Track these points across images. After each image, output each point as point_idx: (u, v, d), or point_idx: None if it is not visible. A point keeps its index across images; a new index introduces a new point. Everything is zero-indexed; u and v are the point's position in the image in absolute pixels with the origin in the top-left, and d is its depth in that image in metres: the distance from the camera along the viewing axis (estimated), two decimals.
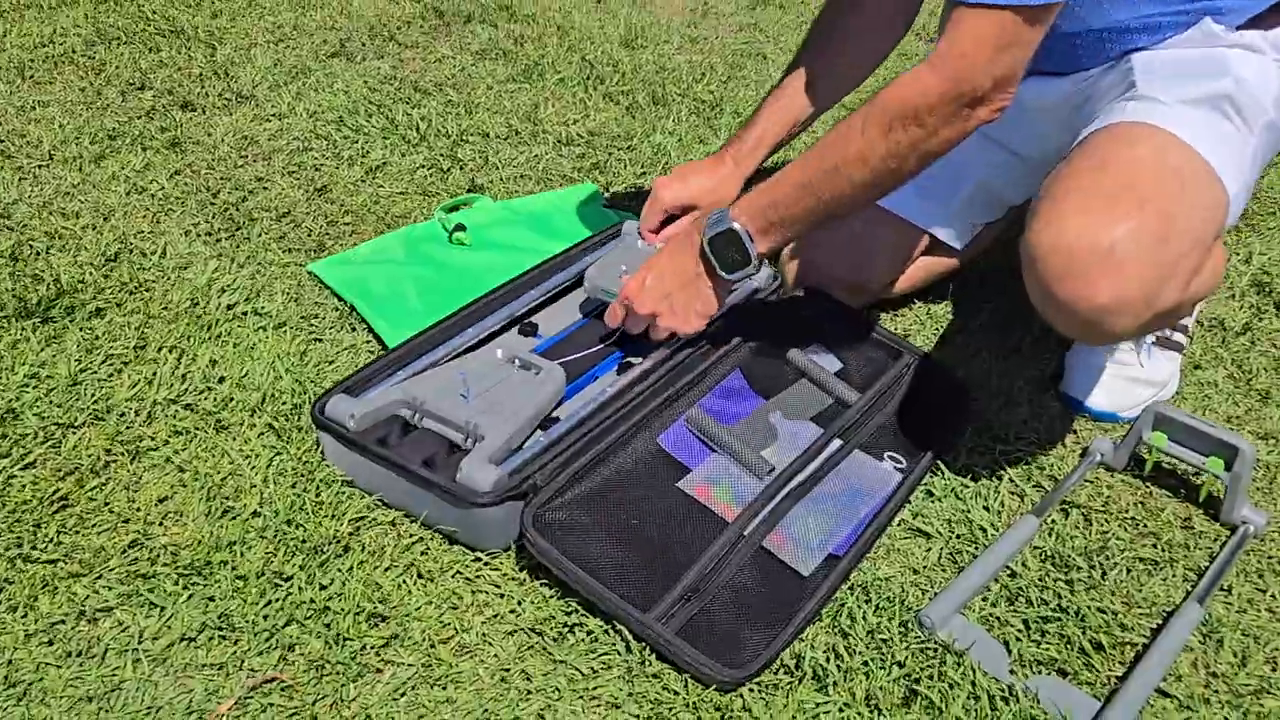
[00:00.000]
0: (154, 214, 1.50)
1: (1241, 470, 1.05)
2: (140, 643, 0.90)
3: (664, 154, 1.74)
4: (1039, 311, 0.96)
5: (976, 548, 1.04)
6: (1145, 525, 1.08)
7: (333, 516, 1.01)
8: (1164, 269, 0.89)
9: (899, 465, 1.11)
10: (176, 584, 0.95)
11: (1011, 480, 1.12)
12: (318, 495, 1.03)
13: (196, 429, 1.12)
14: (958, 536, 1.05)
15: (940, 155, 0.97)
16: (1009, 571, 1.01)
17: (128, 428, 1.11)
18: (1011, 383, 1.27)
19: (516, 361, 1.10)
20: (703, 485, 1.04)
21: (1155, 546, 1.05)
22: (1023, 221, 0.96)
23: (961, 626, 0.94)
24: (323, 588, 0.95)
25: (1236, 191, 0.96)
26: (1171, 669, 0.92)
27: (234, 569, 0.96)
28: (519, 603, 0.96)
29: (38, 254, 1.38)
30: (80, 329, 1.25)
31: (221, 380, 1.18)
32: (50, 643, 0.90)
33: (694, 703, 0.87)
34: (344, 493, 1.04)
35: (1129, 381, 1.22)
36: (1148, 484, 1.13)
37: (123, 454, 1.08)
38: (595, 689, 0.88)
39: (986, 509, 1.09)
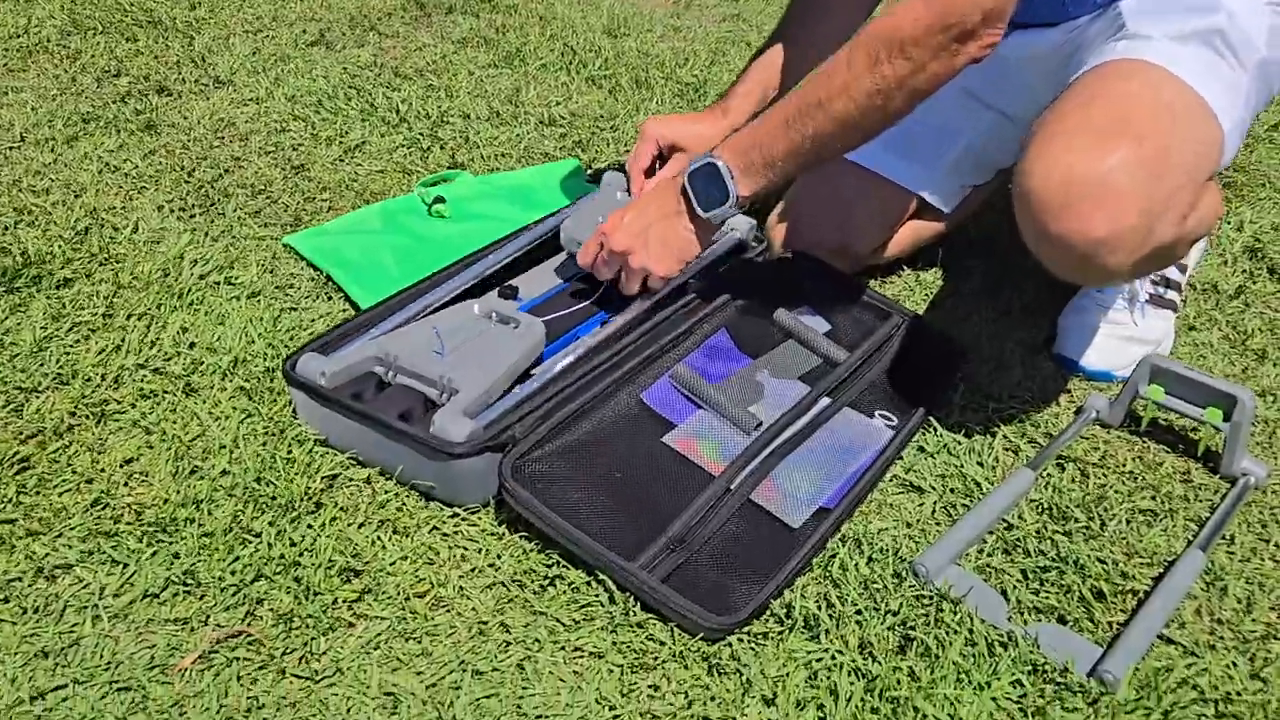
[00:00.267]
0: (127, 191, 1.47)
1: (1241, 420, 1.02)
2: (101, 599, 0.86)
3: None
4: (1032, 252, 0.93)
5: (971, 502, 1.01)
6: (1144, 478, 1.05)
7: (305, 474, 0.98)
8: (1159, 200, 0.86)
9: (890, 423, 1.08)
10: (140, 541, 0.91)
11: (1005, 437, 1.09)
12: (289, 453, 1.00)
13: (165, 392, 1.08)
14: (951, 491, 1.02)
15: (927, 94, 0.95)
16: (1005, 524, 0.98)
17: (93, 391, 1.07)
18: (1003, 345, 1.24)
19: (494, 316, 1.07)
20: (687, 440, 1.01)
21: (1154, 498, 1.02)
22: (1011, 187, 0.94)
23: (957, 575, 0.91)
24: (293, 544, 0.91)
25: (1230, 127, 0.94)
26: (1175, 617, 0.89)
27: (200, 526, 0.92)
28: (498, 556, 0.92)
29: (4, 228, 1.35)
30: (47, 298, 1.21)
31: (192, 346, 1.15)
32: (5, 600, 0.86)
33: (680, 652, 0.84)
34: (317, 451, 1.01)
35: (1123, 340, 1.19)
36: (1145, 440, 1.10)
37: (88, 417, 1.05)
38: (577, 640, 0.85)
39: (980, 464, 1.05)
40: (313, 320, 1.22)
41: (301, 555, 0.90)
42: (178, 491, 0.96)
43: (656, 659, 0.83)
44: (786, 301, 1.19)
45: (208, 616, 0.85)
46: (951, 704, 0.80)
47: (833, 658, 0.83)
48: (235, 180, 1.52)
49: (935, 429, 1.09)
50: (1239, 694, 0.82)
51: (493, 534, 0.94)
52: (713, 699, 0.80)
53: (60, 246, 1.30)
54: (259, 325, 1.18)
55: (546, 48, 2.03)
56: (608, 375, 1.03)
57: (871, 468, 1.02)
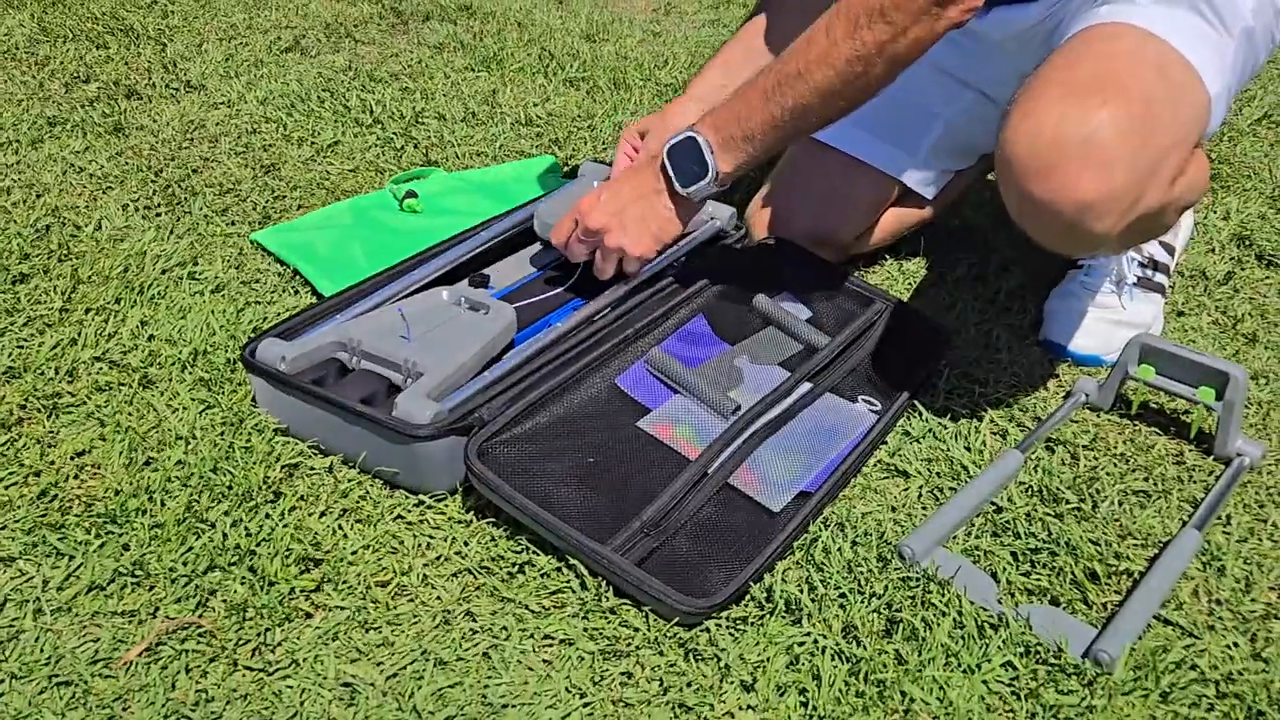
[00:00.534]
0: (91, 191, 1.43)
1: (1234, 398, 0.99)
2: (44, 592, 0.82)
3: None
4: (1016, 220, 0.90)
5: (957, 485, 0.97)
6: (1135, 460, 1.01)
7: (263, 463, 0.94)
8: (1148, 160, 0.83)
9: (873, 408, 1.05)
10: (88, 533, 0.87)
11: (993, 421, 1.06)
12: (248, 442, 0.96)
13: (121, 384, 1.04)
14: (937, 474, 0.99)
15: (908, 61, 0.92)
16: (994, 506, 0.94)
17: (46, 384, 1.03)
18: (990, 331, 1.21)
19: (464, 302, 1.03)
20: (664, 424, 0.97)
21: (1147, 480, 0.99)
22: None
23: (945, 557, 0.87)
24: (249, 534, 0.87)
25: (1217, 93, 0.91)
26: (1172, 597, 0.85)
27: (152, 516, 0.88)
28: (465, 544, 0.88)
29: None
30: (1, 293, 1.17)
31: (151, 338, 1.11)
32: None
33: (655, 638, 0.79)
34: (277, 440, 0.96)
35: (1112, 324, 1.16)
36: (1135, 423, 1.07)
37: (39, 410, 1.00)
38: (547, 627, 0.80)
39: (967, 448, 1.02)
40: (278, 314, 1.18)
41: (258, 545, 0.86)
42: (130, 482, 0.92)
43: (630, 645, 0.79)
44: (766, 288, 1.15)
45: (157, 608, 0.81)
46: (940, 687, 0.76)
47: (815, 642, 0.79)
48: (203, 180, 1.48)
49: (921, 413, 1.06)
50: (1240, 674, 0.79)
51: (460, 521, 0.90)
52: (689, 685, 0.76)
53: (18, 244, 1.26)
54: (221, 318, 1.14)
55: (524, 52, 2.01)
56: (580, 359, 0.99)
57: (854, 452, 0.98)
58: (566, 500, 0.87)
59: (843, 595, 0.83)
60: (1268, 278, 1.33)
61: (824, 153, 1.24)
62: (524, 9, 2.27)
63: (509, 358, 0.98)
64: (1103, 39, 0.91)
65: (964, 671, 0.77)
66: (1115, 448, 1.03)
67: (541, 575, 0.85)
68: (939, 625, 0.80)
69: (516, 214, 1.22)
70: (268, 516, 0.89)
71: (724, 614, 0.82)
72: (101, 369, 1.06)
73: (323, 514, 0.90)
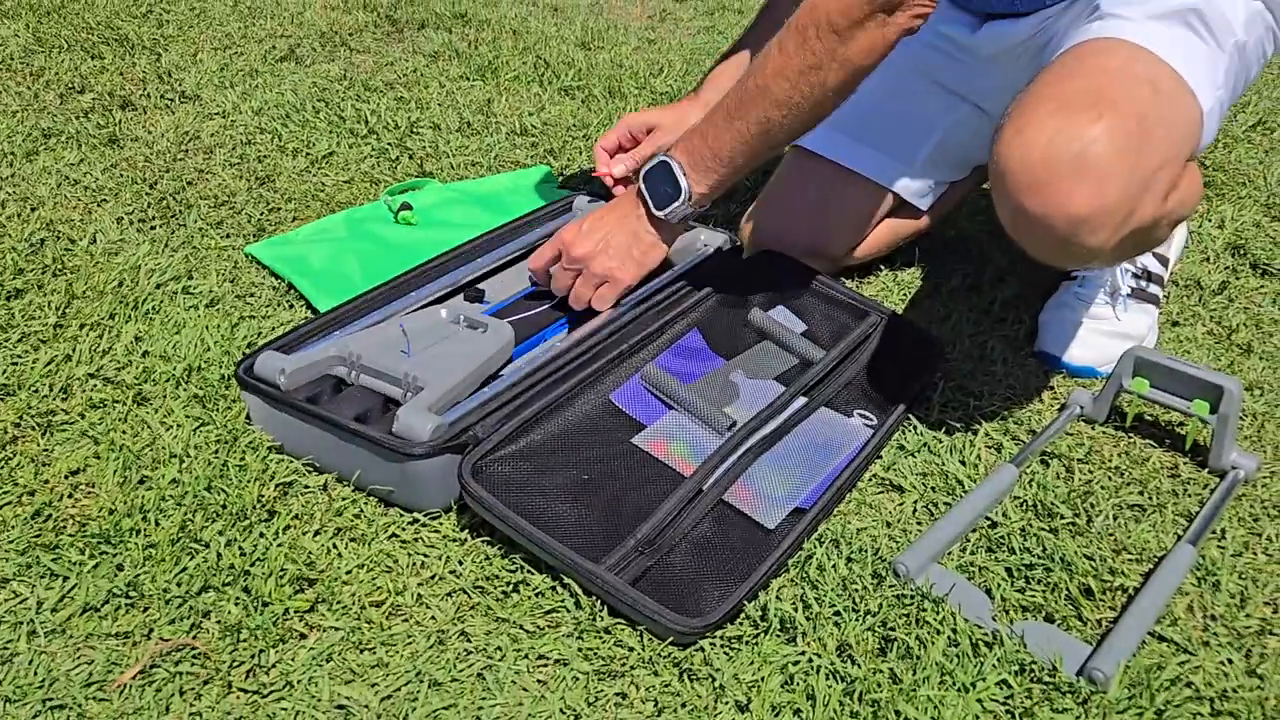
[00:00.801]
0: (86, 204, 1.43)
1: (1229, 411, 0.99)
2: (38, 614, 0.82)
3: None
4: (1010, 233, 0.90)
5: (952, 500, 0.97)
6: (1130, 474, 1.01)
7: (258, 481, 0.93)
8: (1140, 177, 0.83)
9: (869, 422, 1.05)
10: (82, 553, 0.87)
11: (987, 434, 1.06)
12: (243, 460, 0.96)
13: (115, 401, 1.04)
14: (932, 489, 0.99)
15: (864, 68, 0.94)
16: (989, 521, 0.94)
17: (40, 402, 1.03)
18: (984, 343, 1.21)
19: (462, 319, 1.03)
20: (659, 441, 0.97)
21: (1142, 494, 0.99)
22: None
23: (939, 574, 0.87)
24: (243, 553, 0.87)
25: (1210, 107, 0.91)
26: (1166, 613, 0.85)
27: (146, 536, 0.88)
28: (459, 562, 0.88)
29: None
30: None
31: (145, 354, 1.11)
32: None
33: (650, 658, 0.79)
34: (272, 458, 0.96)
35: (1106, 336, 1.16)
36: (1130, 435, 1.07)
37: (33, 428, 1.00)
38: (541, 647, 0.80)
39: (962, 462, 1.02)
40: (273, 329, 1.18)
41: (252, 565, 0.86)
42: (124, 502, 0.92)
43: (625, 665, 0.79)
44: (760, 301, 1.15)
45: (151, 630, 0.81)
46: (935, 706, 0.76)
47: (810, 660, 0.79)
48: (198, 192, 1.48)
49: (915, 427, 1.06)
50: (1235, 691, 0.79)
51: (454, 540, 0.90)
52: (684, 705, 0.76)
53: (12, 258, 1.26)
54: (215, 333, 1.14)
55: (519, 60, 2.01)
56: (574, 375, 0.99)
57: (849, 467, 0.98)
58: (561, 518, 0.87)
59: (837, 613, 0.83)
60: (1262, 287, 1.33)
61: (815, 163, 1.25)
62: (519, 17, 2.28)
63: (506, 375, 0.98)
64: (1095, 54, 0.91)
65: (958, 690, 0.77)
66: (1110, 461, 1.03)
67: (536, 594, 0.85)
68: (933, 643, 0.80)
69: (513, 244, 1.22)
70: (262, 536, 0.89)
71: (719, 633, 0.82)
72: (96, 386, 1.06)
73: (317, 533, 0.90)
